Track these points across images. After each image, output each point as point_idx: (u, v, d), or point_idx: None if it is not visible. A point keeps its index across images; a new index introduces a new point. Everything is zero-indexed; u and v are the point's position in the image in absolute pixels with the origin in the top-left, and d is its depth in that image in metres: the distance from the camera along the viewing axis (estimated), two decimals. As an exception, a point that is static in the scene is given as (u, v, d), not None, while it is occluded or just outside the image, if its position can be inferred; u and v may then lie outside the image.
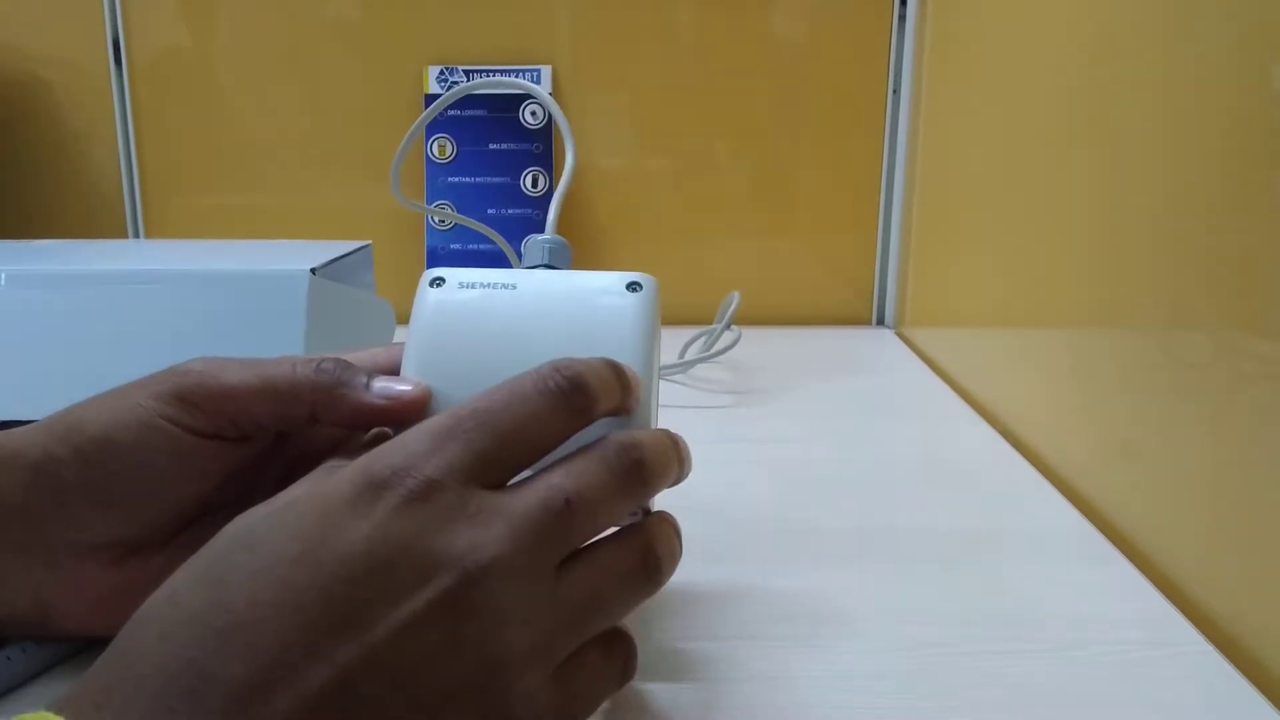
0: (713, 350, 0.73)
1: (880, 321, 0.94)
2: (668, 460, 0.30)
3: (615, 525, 0.29)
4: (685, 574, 0.41)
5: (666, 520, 0.31)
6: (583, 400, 0.29)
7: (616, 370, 0.31)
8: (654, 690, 0.34)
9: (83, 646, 0.35)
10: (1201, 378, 0.42)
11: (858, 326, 0.93)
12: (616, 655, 0.29)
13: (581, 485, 0.27)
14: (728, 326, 0.73)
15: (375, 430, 0.31)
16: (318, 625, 0.24)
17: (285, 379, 0.31)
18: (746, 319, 0.76)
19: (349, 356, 0.33)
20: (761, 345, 0.81)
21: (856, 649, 0.36)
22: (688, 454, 0.32)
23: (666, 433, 0.31)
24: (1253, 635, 0.37)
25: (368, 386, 0.31)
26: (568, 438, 0.29)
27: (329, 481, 0.26)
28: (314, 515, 0.25)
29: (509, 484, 0.28)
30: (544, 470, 0.28)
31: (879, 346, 0.86)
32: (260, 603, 0.24)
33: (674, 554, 0.30)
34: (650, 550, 0.29)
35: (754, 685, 0.34)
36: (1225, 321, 0.40)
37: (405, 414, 0.31)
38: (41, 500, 0.31)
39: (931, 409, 0.68)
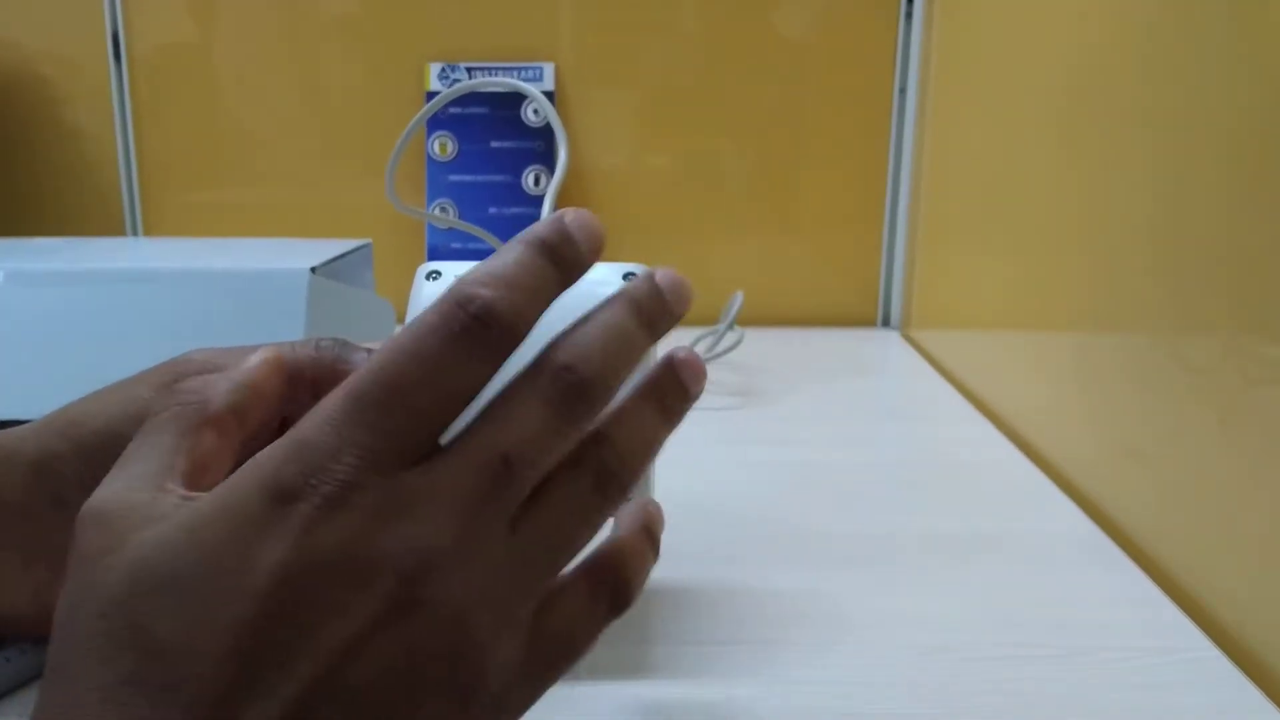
0: (716, 351, 0.72)
1: (885, 323, 0.94)
2: (623, 353, 0.25)
3: (562, 456, 0.25)
4: (691, 575, 0.41)
5: (633, 412, 0.26)
6: (500, 334, 0.24)
7: (546, 246, 0.25)
8: (654, 692, 0.33)
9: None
10: (1209, 381, 0.41)
11: (862, 328, 0.93)
12: (604, 585, 0.26)
13: (518, 434, 0.24)
14: (731, 327, 0.73)
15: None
16: (259, 663, 0.22)
17: (285, 360, 0.31)
18: (750, 320, 0.76)
19: None
20: (765, 346, 0.80)
21: (860, 653, 0.36)
22: (679, 294, 0.26)
23: (623, 305, 0.26)
24: (1261, 641, 0.37)
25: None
26: (490, 377, 0.24)
27: (232, 494, 0.24)
28: (226, 540, 0.23)
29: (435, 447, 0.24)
30: (473, 425, 0.24)
31: (884, 348, 0.86)
32: (196, 651, 0.22)
33: (635, 453, 0.25)
34: (602, 466, 0.25)
35: (756, 689, 0.34)
36: (1233, 325, 0.40)
37: None
38: (41, 498, 0.31)
39: (936, 411, 0.67)
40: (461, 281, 0.24)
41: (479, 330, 0.23)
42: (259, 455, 0.24)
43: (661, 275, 0.26)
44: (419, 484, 0.23)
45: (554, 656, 0.25)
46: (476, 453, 0.24)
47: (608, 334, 0.25)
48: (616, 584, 0.26)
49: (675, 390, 0.26)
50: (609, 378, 0.25)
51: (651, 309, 0.26)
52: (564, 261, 0.25)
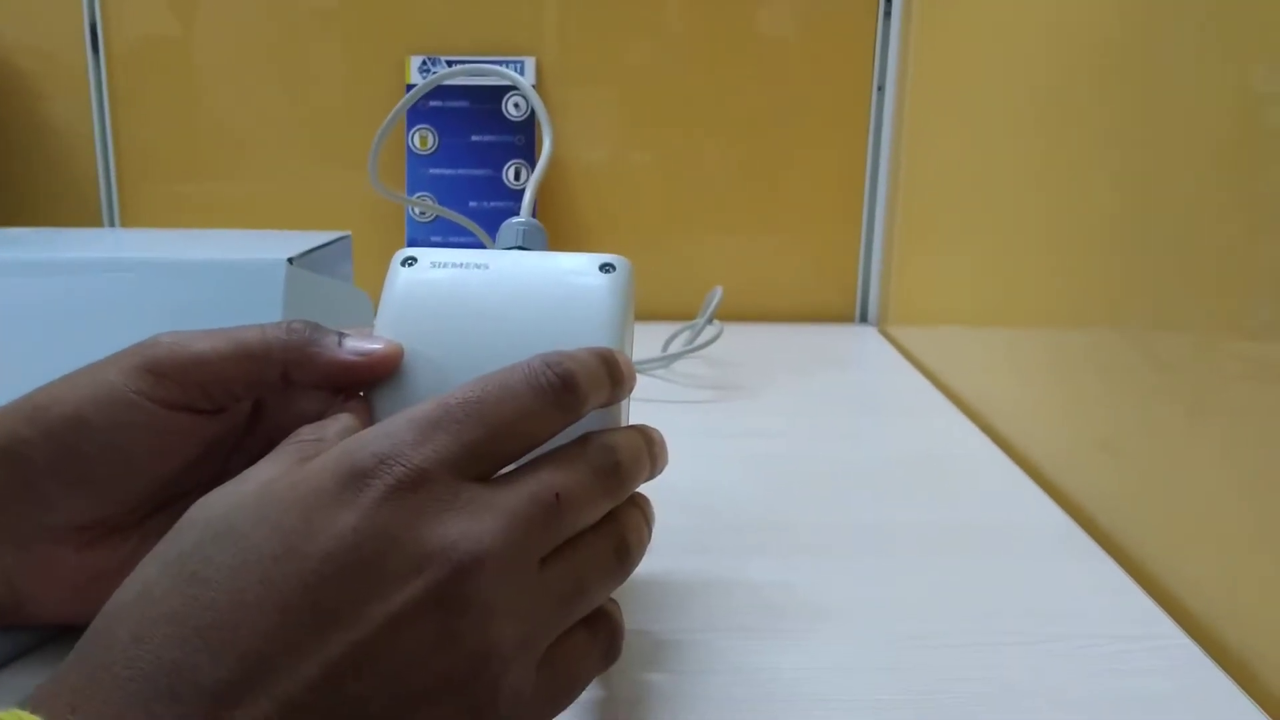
0: (695, 345, 0.73)
1: (863, 319, 0.94)
2: (641, 463, 0.31)
3: (594, 520, 0.29)
4: (666, 566, 0.41)
5: (637, 507, 0.31)
6: (572, 399, 0.28)
7: (607, 363, 0.30)
8: (634, 682, 0.33)
9: (51, 635, 0.34)
10: (1180, 377, 0.42)
11: (840, 323, 0.93)
12: (600, 634, 0.29)
13: (569, 482, 0.27)
14: (710, 321, 0.73)
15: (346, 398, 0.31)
16: (303, 624, 0.23)
17: (256, 341, 0.31)
18: (729, 315, 0.76)
19: None
20: (744, 341, 0.81)
21: (836, 642, 0.36)
22: (662, 451, 0.32)
23: (641, 432, 0.32)
24: (1229, 629, 0.38)
25: (339, 344, 0.31)
26: (555, 434, 0.29)
27: (308, 468, 0.25)
28: (295, 506, 0.24)
29: (495, 477, 0.27)
30: (531, 465, 0.28)
31: (861, 343, 0.87)
32: (243, 602, 0.23)
33: (642, 541, 0.31)
34: (622, 539, 0.29)
35: (733, 677, 0.34)
36: (1205, 321, 0.40)
37: (377, 371, 0.31)
38: (9, 484, 0.30)
39: (913, 405, 0.68)
40: (549, 352, 0.29)
41: (561, 388, 0.28)
42: (343, 442, 0.26)
43: (659, 437, 0.33)
44: (481, 494, 0.26)
45: (557, 694, 0.27)
46: (534, 484, 0.27)
47: (634, 444, 0.31)
48: (611, 635, 0.29)
49: (648, 515, 0.32)
50: (635, 472, 0.30)
51: (655, 452, 0.32)
52: (614, 376, 0.30)
